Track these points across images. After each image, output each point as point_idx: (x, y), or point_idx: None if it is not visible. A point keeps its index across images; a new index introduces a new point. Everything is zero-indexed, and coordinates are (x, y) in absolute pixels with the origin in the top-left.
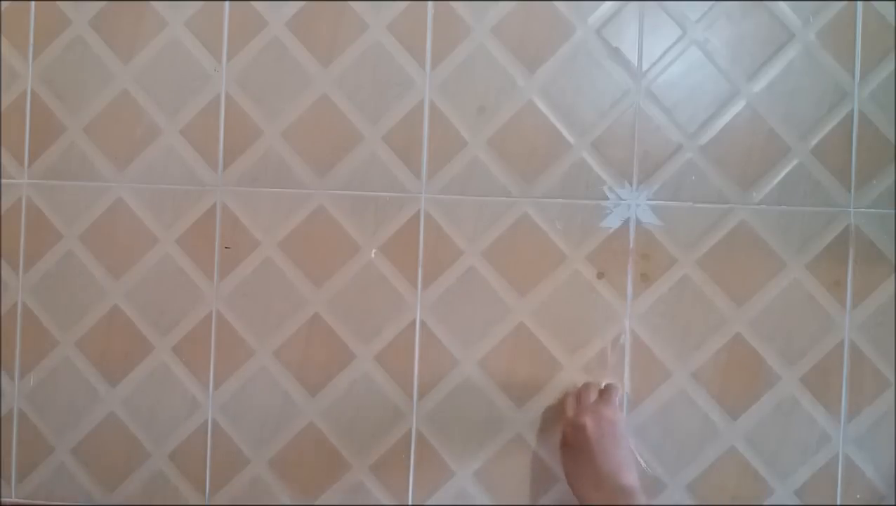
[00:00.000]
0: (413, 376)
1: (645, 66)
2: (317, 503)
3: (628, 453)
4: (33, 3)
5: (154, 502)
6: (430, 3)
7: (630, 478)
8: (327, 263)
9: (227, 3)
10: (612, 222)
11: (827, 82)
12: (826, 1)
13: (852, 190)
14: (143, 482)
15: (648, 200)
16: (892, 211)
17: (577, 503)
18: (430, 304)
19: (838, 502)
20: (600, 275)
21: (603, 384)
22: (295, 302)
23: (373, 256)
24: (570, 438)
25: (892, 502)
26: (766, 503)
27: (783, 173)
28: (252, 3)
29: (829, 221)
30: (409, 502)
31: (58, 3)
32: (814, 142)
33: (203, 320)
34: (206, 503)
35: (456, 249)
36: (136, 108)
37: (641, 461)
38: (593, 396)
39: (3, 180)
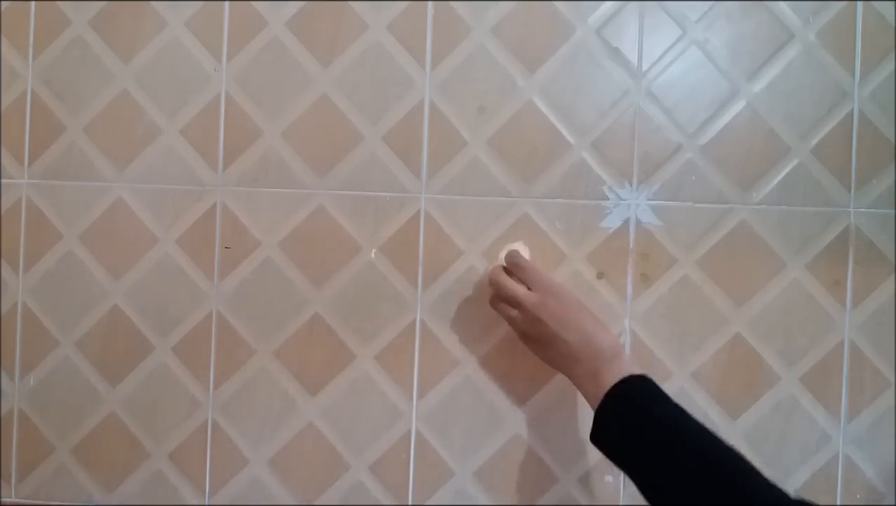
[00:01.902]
0: (413, 376)
1: (645, 66)
2: (316, 503)
3: (589, 315)
4: (33, 3)
5: (154, 502)
6: (430, 3)
7: (604, 340)
8: (327, 263)
9: (227, 3)
10: (612, 222)
11: (827, 82)
12: (826, 1)
13: (852, 190)
14: (143, 482)
15: (648, 200)
16: (892, 211)
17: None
18: (430, 304)
19: (838, 502)
20: (600, 275)
21: (503, 259)
22: (295, 302)
23: (373, 256)
24: (531, 333)
25: (892, 503)
26: None
27: (783, 173)
28: (252, 3)
29: (829, 221)
30: (409, 502)
31: (58, 3)
32: (814, 142)
33: (203, 320)
34: (206, 503)
35: (456, 249)
36: (136, 108)
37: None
38: (512, 283)
39: (3, 180)
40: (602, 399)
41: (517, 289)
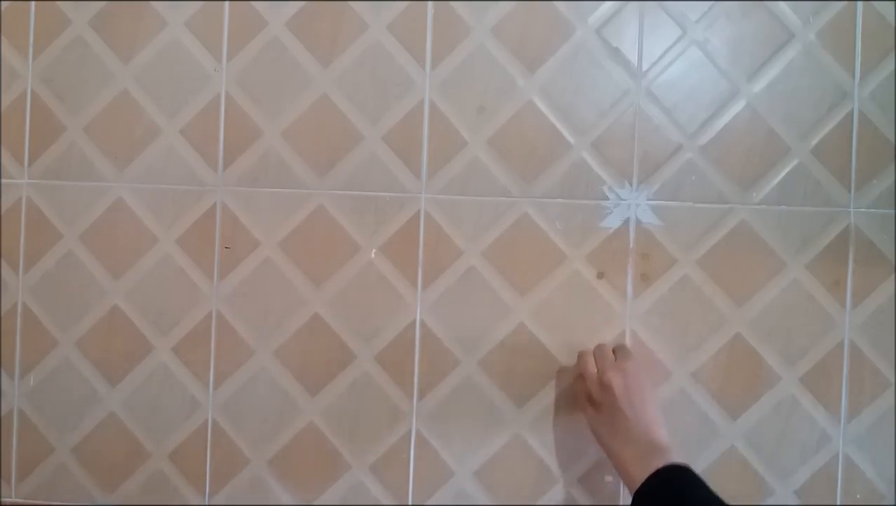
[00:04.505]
0: (413, 376)
1: (645, 66)
2: (317, 503)
3: (657, 407)
4: (33, 3)
5: (154, 502)
6: (430, 3)
7: (662, 434)
8: (327, 263)
9: (227, 3)
10: (612, 222)
11: (827, 82)
12: (826, 1)
13: (852, 190)
14: (143, 482)
15: (648, 200)
16: (892, 211)
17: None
18: (430, 304)
19: (838, 502)
20: (600, 275)
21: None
22: (295, 302)
23: (373, 256)
24: (596, 397)
25: (892, 503)
26: (766, 503)
27: (783, 173)
28: (252, 3)
29: (829, 221)
30: (409, 502)
31: (58, 3)
32: (814, 142)
33: (203, 320)
34: (206, 503)
35: (456, 249)
36: (136, 108)
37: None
38: (610, 354)
39: (3, 180)
40: (643, 481)
41: (608, 351)
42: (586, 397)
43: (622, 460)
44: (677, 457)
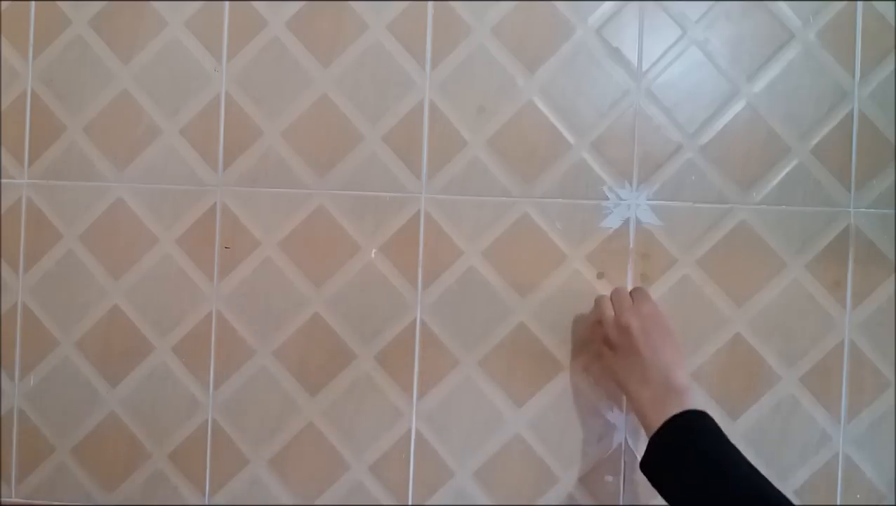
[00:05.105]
0: (413, 376)
1: (645, 66)
2: (317, 503)
3: (676, 349)
4: (33, 3)
5: (154, 502)
6: (430, 3)
7: (680, 376)
8: (327, 263)
9: (226, 3)
10: (612, 222)
11: (827, 82)
12: (826, 1)
13: (852, 190)
14: (143, 482)
15: (648, 200)
16: (892, 211)
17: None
18: (430, 304)
19: (838, 502)
20: (600, 275)
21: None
22: (295, 302)
23: (373, 256)
24: (614, 339)
25: (892, 502)
26: None
27: (783, 173)
28: (252, 3)
29: (829, 221)
30: (409, 503)
31: (58, 3)
32: (814, 142)
33: (203, 320)
34: (206, 503)
35: (456, 249)
36: (136, 108)
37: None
38: (627, 297)
39: (3, 180)
40: (659, 427)
41: (624, 294)
42: (604, 340)
43: (640, 402)
44: (695, 399)
